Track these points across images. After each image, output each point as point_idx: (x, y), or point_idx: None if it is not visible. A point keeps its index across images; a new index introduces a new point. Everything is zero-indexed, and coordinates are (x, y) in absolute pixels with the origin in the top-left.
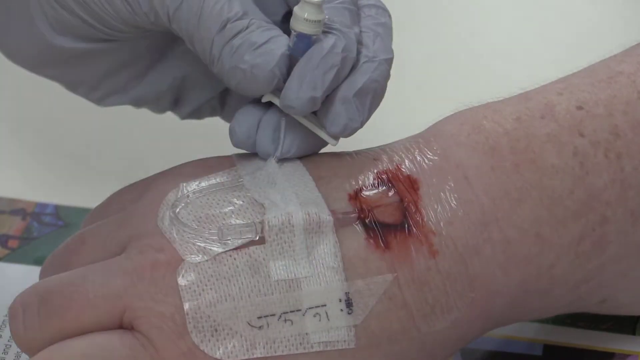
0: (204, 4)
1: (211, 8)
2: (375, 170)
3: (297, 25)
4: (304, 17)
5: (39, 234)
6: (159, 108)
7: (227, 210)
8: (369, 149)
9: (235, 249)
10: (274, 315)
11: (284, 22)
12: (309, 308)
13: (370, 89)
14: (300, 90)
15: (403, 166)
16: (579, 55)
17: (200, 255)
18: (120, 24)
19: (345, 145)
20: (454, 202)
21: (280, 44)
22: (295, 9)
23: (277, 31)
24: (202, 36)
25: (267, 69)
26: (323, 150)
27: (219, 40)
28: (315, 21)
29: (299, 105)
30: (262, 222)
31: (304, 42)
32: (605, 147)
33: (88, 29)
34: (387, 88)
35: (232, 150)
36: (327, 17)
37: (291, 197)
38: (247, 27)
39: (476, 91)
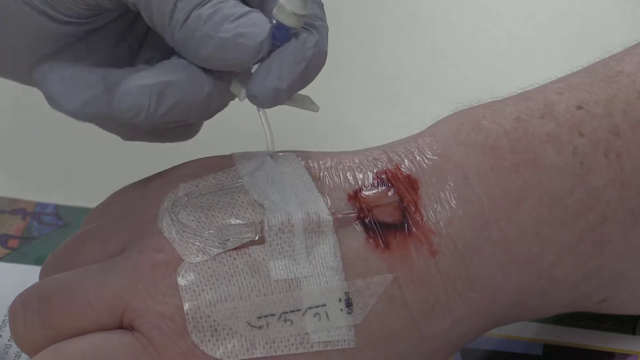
0: None
1: None
2: (374, 170)
3: (280, 15)
4: (288, 8)
5: (39, 234)
6: None
7: (226, 210)
8: (369, 149)
9: (235, 249)
10: (273, 315)
11: None
12: (309, 308)
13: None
14: (266, 80)
15: (403, 166)
16: (579, 55)
17: (200, 255)
18: (74, 6)
19: (345, 145)
20: (454, 201)
21: (266, 19)
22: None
23: (248, 7)
24: (161, 1)
25: (258, 40)
26: (322, 149)
27: (184, 5)
28: (299, 15)
29: (262, 96)
30: (261, 222)
31: (282, 33)
32: (605, 147)
33: (37, 16)
34: (388, 88)
35: (231, 150)
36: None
37: (291, 197)
38: None
39: (476, 91)
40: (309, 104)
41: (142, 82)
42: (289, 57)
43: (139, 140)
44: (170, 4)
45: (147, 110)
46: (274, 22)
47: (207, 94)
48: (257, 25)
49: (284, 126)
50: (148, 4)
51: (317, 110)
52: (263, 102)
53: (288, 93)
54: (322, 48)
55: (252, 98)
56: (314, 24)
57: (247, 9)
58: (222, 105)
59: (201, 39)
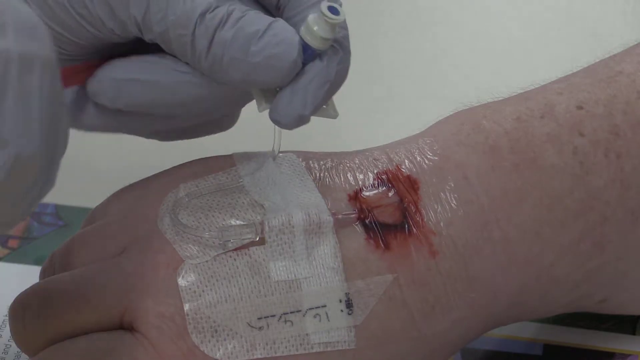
0: (170, 2)
1: (182, 4)
2: (375, 171)
3: (306, 36)
4: (315, 31)
5: (39, 234)
6: None
7: (227, 211)
8: (369, 149)
9: (235, 249)
10: (274, 316)
11: None
12: (309, 309)
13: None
14: (290, 107)
15: (403, 166)
16: (579, 55)
17: (200, 256)
18: (78, 49)
19: (345, 145)
20: (454, 202)
21: (291, 30)
22: (310, 19)
23: (265, 15)
24: (178, 34)
25: (289, 60)
26: (322, 149)
27: (202, 33)
28: (325, 38)
29: (286, 121)
30: (262, 223)
31: (307, 53)
32: (605, 147)
33: None
34: (388, 88)
35: (233, 150)
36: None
37: (291, 197)
38: (230, 14)
39: (476, 91)
40: (330, 111)
41: (112, 75)
42: (314, 80)
43: (175, 140)
44: (189, 35)
45: (110, 102)
46: (300, 40)
47: (195, 96)
48: (284, 42)
49: None
50: (165, 38)
51: (336, 117)
52: (286, 126)
53: (311, 115)
54: (346, 64)
55: (276, 122)
56: (337, 37)
57: (268, 20)
58: (235, 106)
59: (230, 64)
